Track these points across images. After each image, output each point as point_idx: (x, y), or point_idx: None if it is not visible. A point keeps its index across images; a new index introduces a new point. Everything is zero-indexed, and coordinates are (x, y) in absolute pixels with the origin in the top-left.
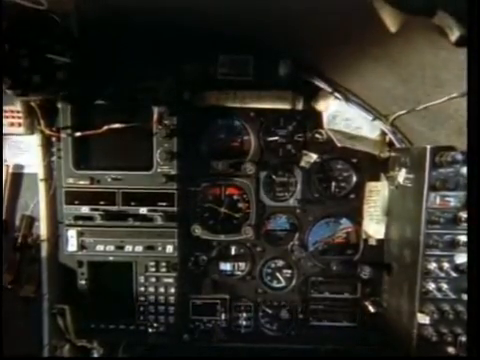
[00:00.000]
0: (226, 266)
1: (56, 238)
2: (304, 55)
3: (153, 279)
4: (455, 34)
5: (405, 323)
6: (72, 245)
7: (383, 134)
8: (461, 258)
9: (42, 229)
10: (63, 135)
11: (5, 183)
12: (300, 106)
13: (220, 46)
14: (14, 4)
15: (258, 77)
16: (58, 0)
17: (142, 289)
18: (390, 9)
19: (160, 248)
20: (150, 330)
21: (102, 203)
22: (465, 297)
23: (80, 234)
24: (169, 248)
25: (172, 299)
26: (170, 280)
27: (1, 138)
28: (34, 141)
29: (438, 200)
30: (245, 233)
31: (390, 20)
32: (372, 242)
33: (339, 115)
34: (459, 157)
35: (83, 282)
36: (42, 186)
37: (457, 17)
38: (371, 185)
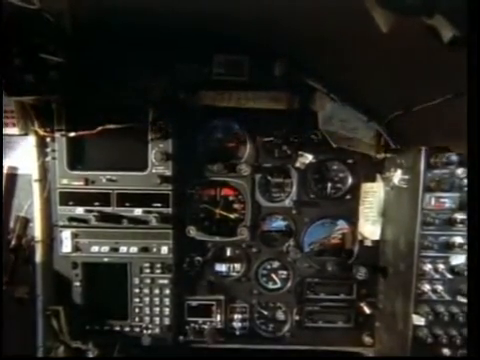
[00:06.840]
0: (221, 267)
1: (50, 239)
2: (300, 55)
3: (148, 280)
4: (448, 34)
5: (400, 324)
6: (66, 246)
7: (379, 135)
8: (456, 259)
9: (36, 230)
10: (57, 135)
11: None
12: (296, 107)
13: (215, 46)
14: (6, 3)
15: (253, 77)
16: None
17: (137, 290)
18: (381, 9)
19: (155, 249)
20: (145, 331)
21: (97, 204)
22: (460, 299)
23: (74, 235)
24: (164, 249)
25: (167, 300)
26: (165, 281)
27: (1, 138)
28: (28, 141)
29: (433, 201)
30: (240, 234)
31: (381, 20)
32: (368, 243)
33: (335, 116)
34: (454, 158)
35: (77, 283)
36: (36, 187)
37: (449, 17)
38: (367, 186)
